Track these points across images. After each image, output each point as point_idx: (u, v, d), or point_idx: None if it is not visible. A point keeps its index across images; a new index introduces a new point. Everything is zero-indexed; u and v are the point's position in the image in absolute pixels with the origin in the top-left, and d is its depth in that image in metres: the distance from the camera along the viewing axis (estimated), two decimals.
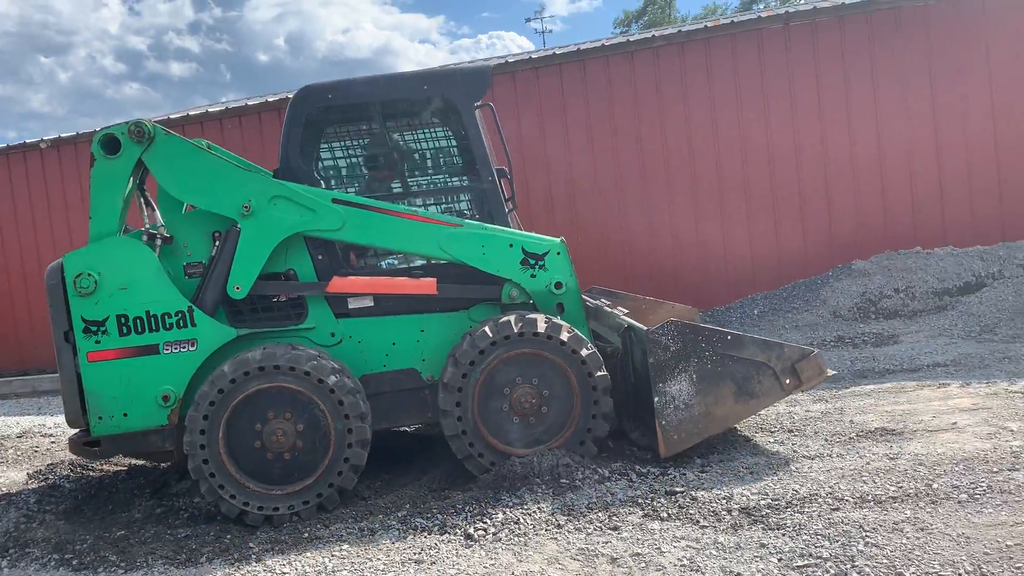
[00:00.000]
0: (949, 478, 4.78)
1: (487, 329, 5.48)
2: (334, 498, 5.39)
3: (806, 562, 3.90)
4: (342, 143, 6.53)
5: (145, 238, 5.64)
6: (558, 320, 5.63)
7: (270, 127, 13.49)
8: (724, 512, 4.66)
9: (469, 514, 4.92)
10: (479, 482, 5.40)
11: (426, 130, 6.56)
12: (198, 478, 5.34)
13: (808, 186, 11.83)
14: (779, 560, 3.96)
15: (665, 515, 4.70)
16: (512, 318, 5.53)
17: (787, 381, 5.49)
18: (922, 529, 4.11)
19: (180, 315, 5.52)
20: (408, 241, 5.81)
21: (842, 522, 4.30)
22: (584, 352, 5.52)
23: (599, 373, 5.54)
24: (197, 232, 5.81)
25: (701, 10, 48.05)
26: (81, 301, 5.46)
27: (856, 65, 11.60)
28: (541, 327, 5.47)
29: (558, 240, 5.90)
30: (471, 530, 4.69)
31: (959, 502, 4.43)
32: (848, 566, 3.78)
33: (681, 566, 4.02)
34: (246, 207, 5.61)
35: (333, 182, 6.39)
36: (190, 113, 15.11)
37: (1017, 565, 3.59)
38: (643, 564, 4.09)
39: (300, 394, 5.35)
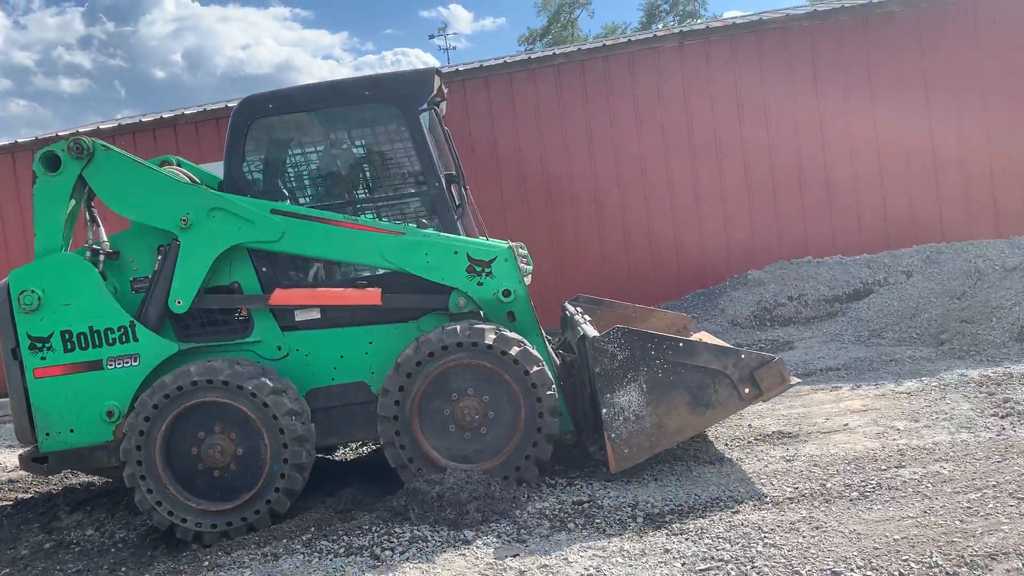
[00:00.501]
0: (842, 477, 4.98)
1: (410, 351, 5.34)
2: (265, 520, 5.28)
3: (708, 565, 3.98)
4: (285, 153, 6.41)
5: (88, 254, 5.62)
6: (507, 333, 5.41)
7: (165, 144, 13.03)
8: (630, 520, 4.73)
9: (376, 534, 4.83)
10: (387, 502, 5.33)
11: (371, 136, 6.43)
12: (132, 486, 5.27)
13: (705, 199, 12.17)
14: (682, 565, 4.04)
15: (572, 525, 4.73)
16: (452, 328, 5.35)
17: (746, 390, 5.19)
18: (817, 528, 4.26)
19: (122, 330, 5.49)
20: (349, 251, 5.69)
21: (742, 524, 4.42)
22: (534, 369, 5.31)
23: (547, 392, 5.32)
24: (142, 247, 5.78)
25: (602, 29, 49.03)
26: (26, 318, 5.46)
27: (746, 80, 12.02)
28: (487, 339, 5.27)
29: (505, 246, 5.70)
30: (378, 550, 4.62)
31: (851, 500, 4.61)
32: (748, 567, 3.89)
33: (587, 575, 4.05)
34: (184, 220, 5.55)
35: (278, 193, 6.24)
36: (80, 131, 14.52)
37: (904, 557, 3.75)
38: (551, 575, 4.10)
39: (240, 412, 5.29)
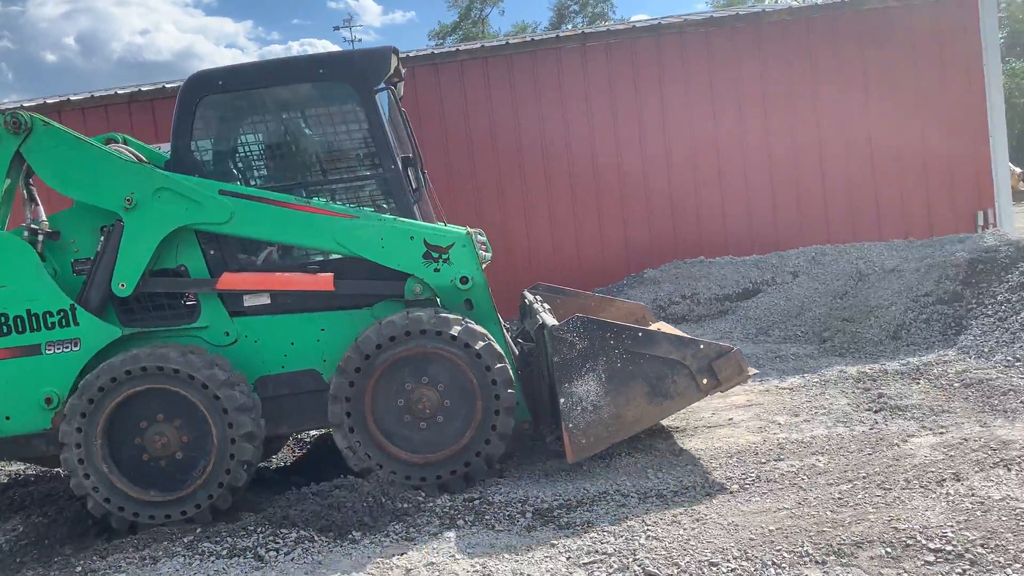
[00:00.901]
0: (724, 471, 5.13)
1: (371, 332, 5.24)
2: (205, 516, 5.13)
3: (592, 559, 4.05)
4: (235, 132, 6.18)
5: (26, 234, 5.37)
6: (450, 315, 5.32)
7: None
8: (519, 515, 4.76)
9: (261, 535, 4.72)
10: (275, 502, 5.21)
11: (325, 116, 6.21)
12: (69, 471, 5.08)
13: (606, 198, 12.35)
14: (567, 559, 4.09)
15: (462, 523, 4.74)
16: (417, 314, 5.24)
17: (704, 381, 5.20)
18: (698, 520, 4.38)
19: (62, 314, 5.28)
20: (301, 234, 5.52)
21: (627, 518, 4.51)
22: (478, 345, 5.22)
23: (497, 365, 5.24)
24: (84, 228, 5.54)
25: (512, 28, 49.28)
26: None
27: (646, 80, 12.26)
28: (429, 324, 5.18)
29: (463, 232, 5.57)
30: (262, 551, 4.52)
31: (731, 492, 4.76)
32: (630, 559, 3.96)
33: (474, 571, 4.05)
34: (129, 200, 5.34)
35: (227, 174, 6.02)
36: None
37: (777, 548, 3.89)
38: (436, 573, 4.09)
39: (189, 403, 5.14)
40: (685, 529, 4.26)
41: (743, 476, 4.98)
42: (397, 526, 4.75)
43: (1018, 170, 32.81)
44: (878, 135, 12.07)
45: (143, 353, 5.16)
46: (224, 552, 4.57)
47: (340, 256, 5.60)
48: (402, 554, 4.36)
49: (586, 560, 4.04)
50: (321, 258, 5.77)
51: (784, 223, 12.13)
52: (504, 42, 13.51)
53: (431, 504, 4.99)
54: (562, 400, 5.09)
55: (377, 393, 5.27)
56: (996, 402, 5.85)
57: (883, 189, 12.12)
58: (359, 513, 4.86)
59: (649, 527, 4.33)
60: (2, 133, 5.33)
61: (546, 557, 4.14)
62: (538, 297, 6.97)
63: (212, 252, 5.56)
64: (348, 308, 5.59)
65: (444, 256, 5.47)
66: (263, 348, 5.55)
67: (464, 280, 5.50)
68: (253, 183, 6.00)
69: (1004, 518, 3.87)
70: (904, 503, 4.23)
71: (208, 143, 5.92)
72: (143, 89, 12.79)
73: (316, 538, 4.62)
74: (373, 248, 5.45)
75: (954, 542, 3.70)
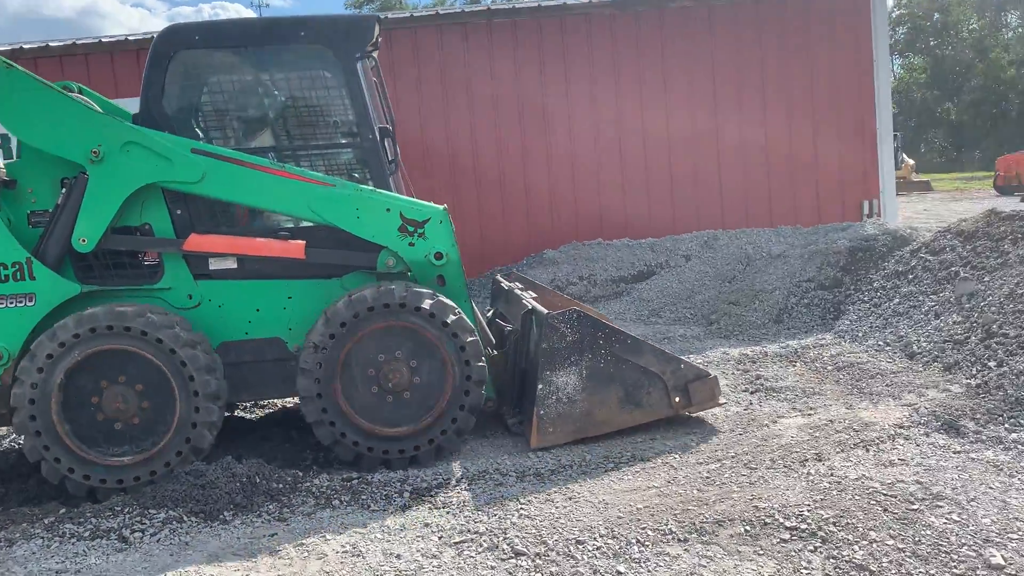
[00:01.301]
0: (602, 449, 5.22)
1: (341, 305, 5.14)
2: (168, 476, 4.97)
3: (464, 538, 4.06)
4: (210, 90, 5.92)
5: None
6: (424, 290, 5.25)
7: None
8: (396, 495, 4.74)
9: (128, 516, 4.55)
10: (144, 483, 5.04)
11: (304, 81, 6.02)
12: (22, 434, 4.88)
13: (510, 178, 12.38)
14: (439, 538, 4.09)
15: (337, 503, 4.68)
16: (389, 287, 5.17)
17: (676, 399, 5.36)
18: (571, 498, 4.44)
19: (17, 267, 5.03)
20: (275, 199, 5.36)
21: (503, 497, 4.54)
22: (451, 318, 5.17)
23: (469, 339, 5.21)
24: (44, 177, 5.27)
25: (431, 1, 48.64)
26: None
27: (551, 63, 12.30)
28: (401, 297, 5.11)
29: (441, 208, 5.51)
30: (127, 532, 4.37)
31: (606, 471, 4.85)
32: (500, 538, 4.00)
33: (343, 552, 4.02)
34: (95, 152, 5.12)
35: (197, 131, 5.77)
36: None
37: (643, 526, 3.99)
38: (305, 554, 4.04)
39: (151, 363, 4.96)
40: (557, 507, 4.32)
41: (619, 455, 5.08)
42: (271, 506, 4.66)
43: (911, 162, 34.44)
44: (772, 124, 12.44)
45: (103, 311, 4.98)
46: (87, 534, 4.41)
47: (312, 224, 5.50)
48: (272, 535, 4.29)
49: (458, 539, 4.05)
50: (292, 225, 5.65)
51: (681, 207, 12.39)
52: (408, 15, 13.31)
53: (308, 484, 4.92)
54: (540, 386, 5.16)
55: (348, 366, 5.20)
56: (864, 385, 6.12)
57: (775, 177, 12.51)
58: (232, 494, 4.75)
59: (523, 506, 4.37)
60: None
61: (418, 537, 4.13)
62: (516, 284, 7.05)
63: (179, 212, 5.39)
64: (318, 277, 5.50)
65: (420, 231, 5.43)
66: (227, 313, 5.43)
67: (439, 256, 5.46)
68: (221, 144, 5.80)
69: (857, 497, 4.05)
70: (767, 482, 4.39)
71: (179, 99, 5.72)
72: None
73: (185, 519, 4.50)
74: (348, 218, 5.37)
75: (809, 520, 3.85)
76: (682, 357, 5.78)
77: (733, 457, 4.84)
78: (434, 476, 5.00)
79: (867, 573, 3.43)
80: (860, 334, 7.47)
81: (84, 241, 5.19)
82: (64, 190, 5.26)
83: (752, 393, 6.25)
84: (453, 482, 4.88)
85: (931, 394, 5.64)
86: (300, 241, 5.41)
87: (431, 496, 4.68)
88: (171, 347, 4.96)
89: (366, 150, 5.72)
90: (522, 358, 5.74)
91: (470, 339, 5.24)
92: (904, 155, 33.81)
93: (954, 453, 4.61)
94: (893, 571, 3.43)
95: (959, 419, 5.02)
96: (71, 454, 4.93)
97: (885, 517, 3.83)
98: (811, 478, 4.37)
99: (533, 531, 4.04)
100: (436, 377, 5.24)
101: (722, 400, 5.63)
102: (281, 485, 4.88)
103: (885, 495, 4.05)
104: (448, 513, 4.40)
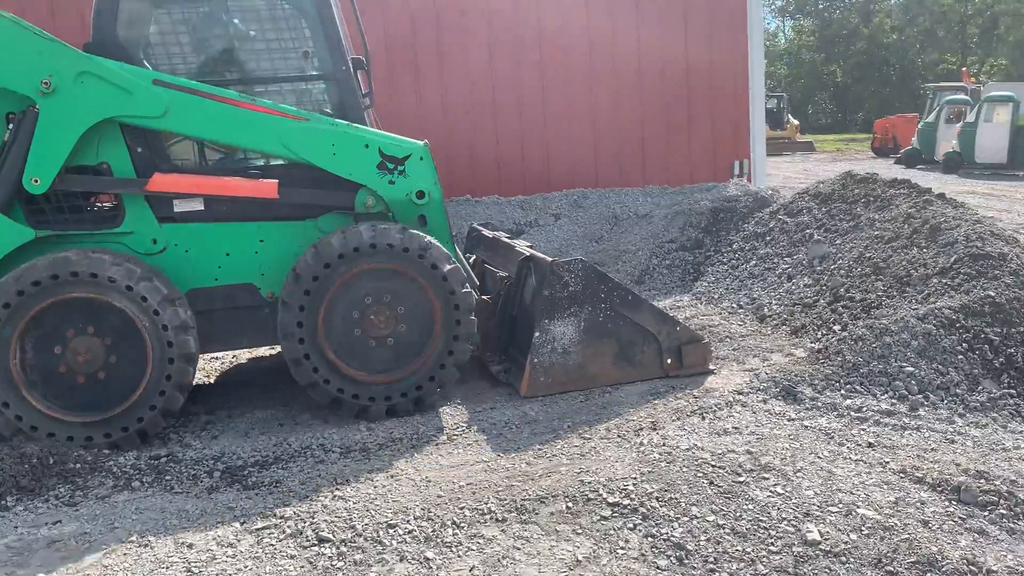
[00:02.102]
0: (437, 420, 4.95)
1: (334, 240, 4.80)
2: (133, 440, 4.68)
3: (267, 523, 3.72)
4: (167, 16, 5.37)
5: None
6: (420, 233, 4.95)
7: None
8: (206, 475, 4.35)
9: None
10: None
11: (271, 6, 5.52)
12: None
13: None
14: (241, 524, 3.74)
15: (138, 483, 4.27)
16: (355, 230, 4.84)
17: (668, 360, 5.30)
18: (392, 476, 4.16)
19: None
20: (244, 135, 4.91)
21: (320, 476, 4.22)
22: (446, 268, 4.92)
23: (462, 290, 4.96)
24: None
25: None
26: None
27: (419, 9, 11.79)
28: (396, 239, 4.83)
29: (421, 144, 5.18)
30: None
31: (437, 444, 4.59)
32: (307, 523, 3.68)
33: (131, 542, 3.62)
34: (46, 84, 4.66)
35: (156, 61, 5.21)
36: None
37: (461, 505, 3.73)
38: (87, 544, 3.63)
39: (123, 315, 4.59)
40: (376, 487, 4.03)
41: (455, 426, 4.83)
42: (63, 489, 4.21)
43: (796, 122, 35.34)
44: (647, 78, 12.28)
45: (74, 257, 4.55)
46: None
47: (285, 162, 5.09)
48: (56, 522, 3.85)
49: (260, 525, 3.71)
50: (262, 163, 5.23)
51: (555, 164, 12.17)
52: None
53: (109, 463, 4.46)
54: (536, 334, 5.06)
55: (333, 306, 4.88)
56: (712, 348, 6.03)
57: (650, 135, 12.40)
58: (19, 476, 4.27)
59: (338, 486, 4.05)
60: None
61: (218, 523, 3.77)
62: (501, 232, 6.82)
63: (139, 150, 4.91)
64: (291, 219, 5.10)
65: (400, 168, 5.12)
66: (194, 258, 5.01)
67: (420, 195, 5.15)
68: (184, 74, 5.23)
69: (685, 470, 3.91)
70: (598, 453, 4.21)
71: (134, 25, 5.13)
72: None
73: None
74: (323, 155, 4.99)
75: (632, 495, 3.68)
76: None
77: (569, 427, 4.65)
78: (252, 453, 4.62)
79: (683, 552, 3.29)
80: (716, 296, 7.43)
81: (36, 182, 4.71)
82: (11, 126, 4.76)
83: None
84: (271, 459, 4.52)
85: (774, 358, 5.60)
86: (272, 180, 5.02)
87: (243, 476, 4.31)
88: (148, 301, 4.61)
89: (340, 82, 5.28)
90: (513, 305, 5.60)
91: (463, 291, 5.03)
92: (789, 115, 34.72)
93: (788, 420, 4.54)
94: (710, 549, 3.29)
95: (797, 385, 4.97)
96: (29, 408, 4.58)
97: (710, 491, 3.70)
98: (642, 448, 4.21)
99: (344, 514, 3.73)
100: (424, 326, 5.02)
101: (712, 367, 5.49)
102: (79, 465, 4.41)
103: (713, 466, 3.92)
104: (258, 495, 4.05)
